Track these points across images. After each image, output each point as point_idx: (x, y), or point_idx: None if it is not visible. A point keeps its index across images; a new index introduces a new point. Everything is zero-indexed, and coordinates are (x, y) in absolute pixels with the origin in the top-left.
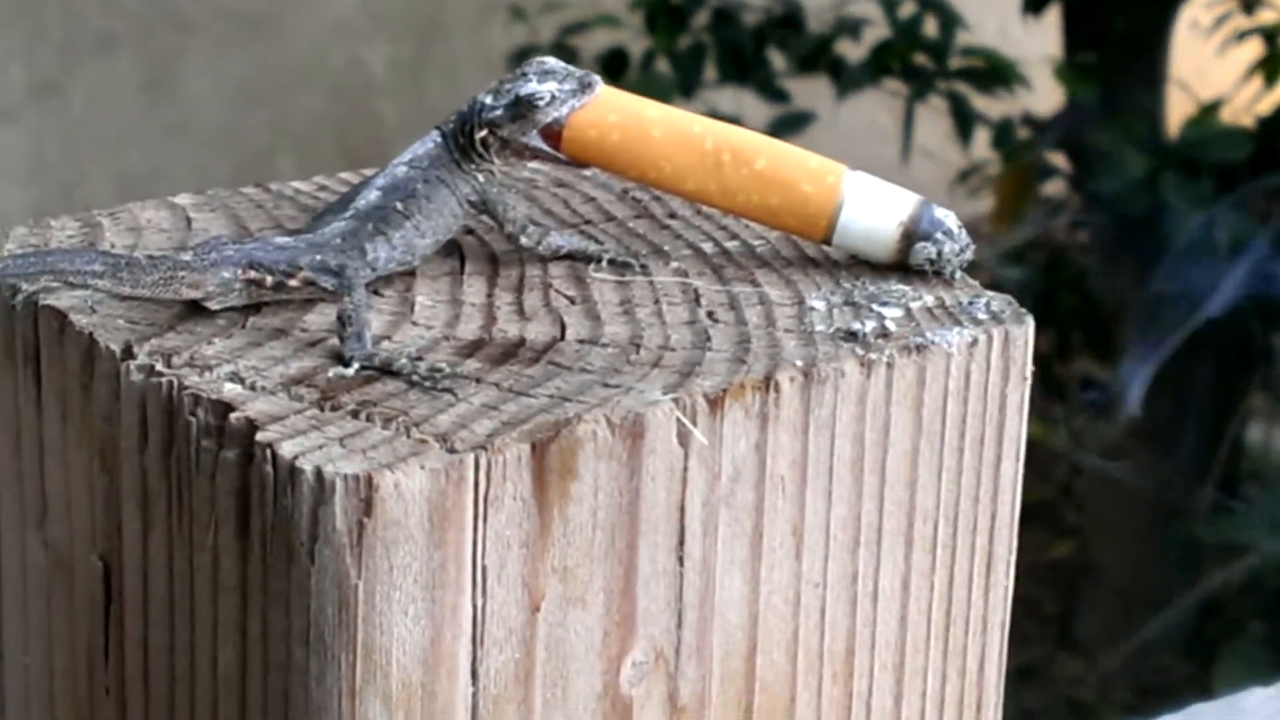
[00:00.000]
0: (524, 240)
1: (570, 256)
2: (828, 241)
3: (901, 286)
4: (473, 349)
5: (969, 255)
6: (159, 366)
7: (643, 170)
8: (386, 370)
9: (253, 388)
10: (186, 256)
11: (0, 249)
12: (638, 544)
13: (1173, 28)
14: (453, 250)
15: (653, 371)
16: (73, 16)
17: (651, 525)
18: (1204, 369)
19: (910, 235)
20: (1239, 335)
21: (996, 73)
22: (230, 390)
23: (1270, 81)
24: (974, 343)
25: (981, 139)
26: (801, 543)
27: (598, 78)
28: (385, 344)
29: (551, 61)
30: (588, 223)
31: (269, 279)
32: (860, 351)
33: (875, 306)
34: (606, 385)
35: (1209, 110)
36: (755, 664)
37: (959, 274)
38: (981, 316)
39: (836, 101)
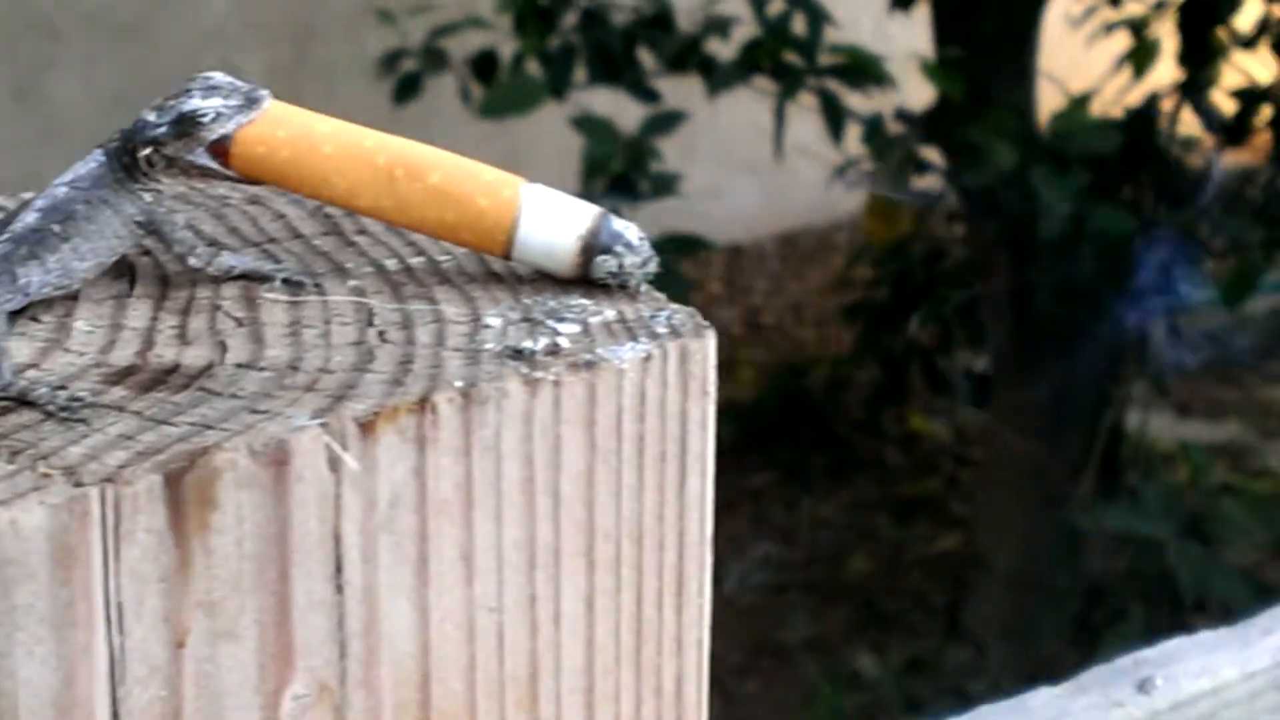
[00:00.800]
0: (193, 261)
1: (244, 277)
2: (508, 256)
3: (583, 301)
4: (122, 376)
5: (653, 267)
6: None
7: (315, 187)
8: (23, 400)
9: None
10: None
11: None
12: (290, 574)
13: (1041, 22)
14: (124, 272)
15: (305, 395)
16: None
17: (304, 554)
18: (1082, 360)
19: (590, 249)
20: (1114, 325)
21: (864, 69)
22: None
23: (1139, 72)
24: (648, 358)
25: (855, 135)
26: (472, 567)
27: (266, 92)
28: (30, 372)
29: (218, 77)
30: (273, 241)
31: None
32: (525, 370)
33: (552, 322)
34: (254, 411)
35: (1079, 103)
36: (430, 693)
37: (644, 287)
38: (661, 330)
39: (708, 100)
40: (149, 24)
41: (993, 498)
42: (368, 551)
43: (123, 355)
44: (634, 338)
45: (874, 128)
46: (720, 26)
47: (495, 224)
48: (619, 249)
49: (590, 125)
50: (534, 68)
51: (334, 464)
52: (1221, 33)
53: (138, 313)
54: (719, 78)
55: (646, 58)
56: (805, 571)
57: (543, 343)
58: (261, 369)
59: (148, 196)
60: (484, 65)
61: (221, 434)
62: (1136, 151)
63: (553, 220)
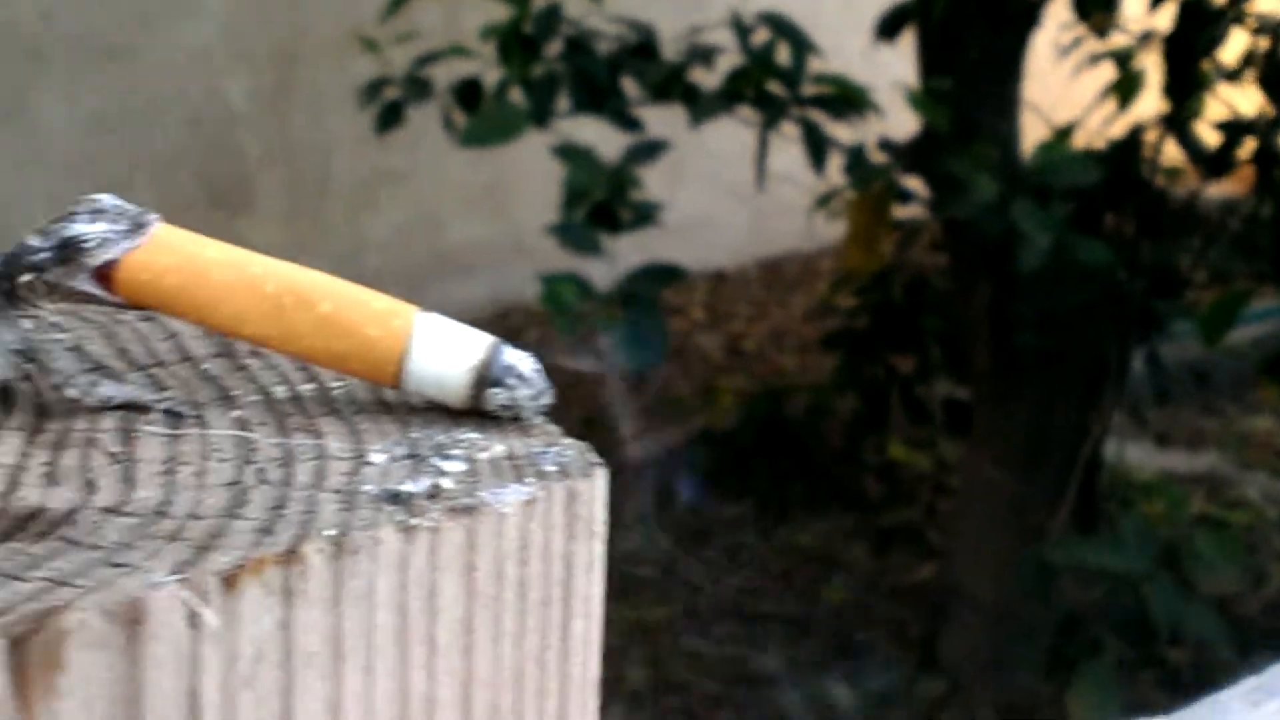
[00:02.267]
0: (70, 391)
1: (124, 407)
2: (398, 386)
3: (472, 435)
4: None
5: (546, 400)
6: None
7: (201, 314)
8: None
9: None
10: None
11: None
12: None
13: (1026, 53)
14: (1, 400)
15: (167, 546)
16: None
17: (159, 716)
18: (1061, 390)
19: (482, 380)
20: (1095, 354)
21: (848, 99)
22: None
23: (1124, 104)
24: (531, 500)
25: (840, 163)
26: None
27: (155, 216)
28: None
29: (106, 199)
30: (160, 364)
31: None
32: (402, 516)
33: (436, 460)
34: (113, 564)
35: (1061, 135)
36: None
37: (538, 418)
38: (548, 468)
39: (690, 130)
40: (133, 47)
41: (970, 528)
42: (227, 710)
43: None
44: (520, 478)
45: (856, 158)
46: (704, 55)
47: (385, 354)
48: (511, 381)
49: (572, 154)
50: (517, 96)
51: (193, 620)
52: (1206, 65)
53: (7, 447)
54: (702, 107)
55: (630, 86)
56: (780, 601)
57: (424, 484)
58: (127, 514)
59: (27, 323)
60: (468, 93)
61: (74, 591)
62: (1120, 183)
63: (445, 351)
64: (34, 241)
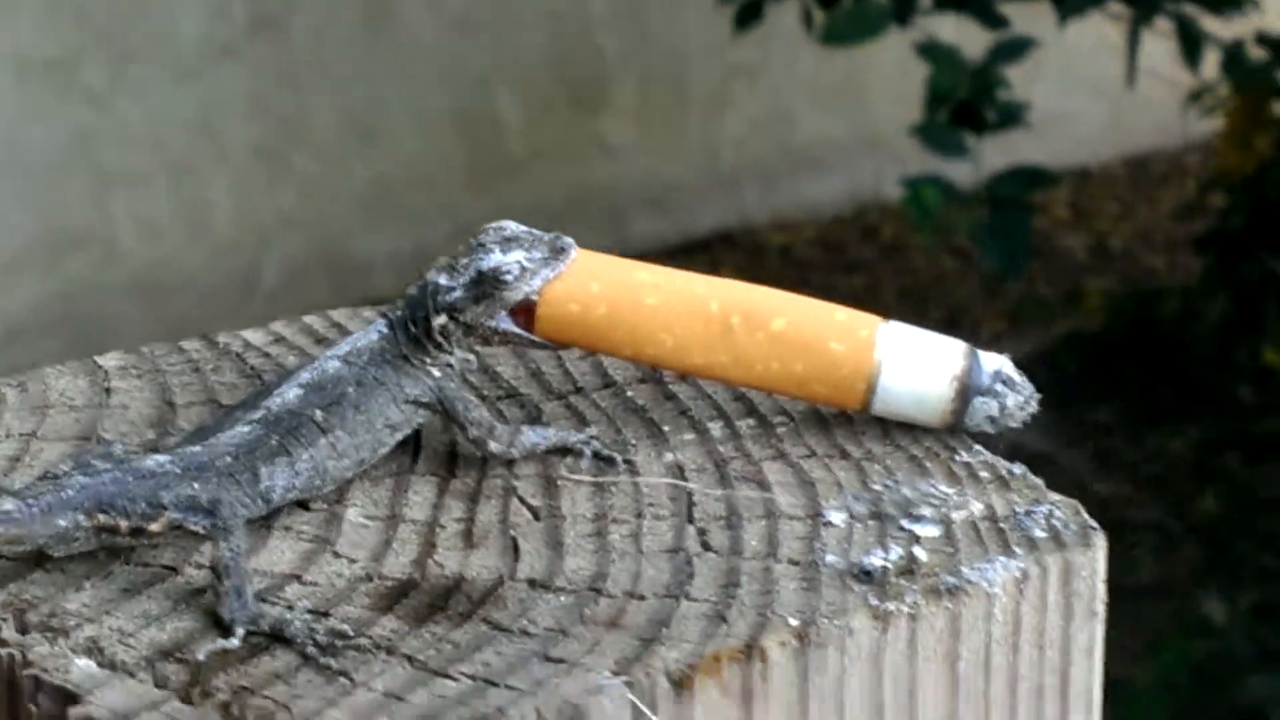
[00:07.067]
0: (493, 446)
1: (549, 452)
2: (866, 409)
3: (944, 490)
4: (396, 596)
5: (1034, 406)
6: (4, 631)
7: (638, 347)
8: (277, 636)
9: (112, 664)
10: (7, 505)
11: None
12: None
13: None
14: (408, 438)
15: (608, 636)
16: None
17: None
18: None
19: (965, 391)
20: None
21: None
22: (80, 670)
23: None
24: (1024, 578)
25: (1211, 59)
26: None
27: (570, 240)
28: (291, 590)
29: (512, 226)
30: (579, 391)
31: (124, 523)
32: (875, 601)
33: (906, 522)
34: (547, 659)
35: None
36: None
37: (1019, 469)
38: (1038, 534)
39: (1058, 27)
40: None
41: None
42: None
43: (398, 563)
44: (1006, 547)
45: (1234, 55)
46: None
47: (853, 371)
48: (999, 388)
49: (935, 53)
50: None
51: None
52: None
53: (419, 498)
54: (1071, 3)
55: None
56: (1151, 509)
57: (895, 555)
58: (558, 589)
59: (437, 372)
60: None
61: (505, 695)
62: None
63: (921, 362)
64: (441, 279)
